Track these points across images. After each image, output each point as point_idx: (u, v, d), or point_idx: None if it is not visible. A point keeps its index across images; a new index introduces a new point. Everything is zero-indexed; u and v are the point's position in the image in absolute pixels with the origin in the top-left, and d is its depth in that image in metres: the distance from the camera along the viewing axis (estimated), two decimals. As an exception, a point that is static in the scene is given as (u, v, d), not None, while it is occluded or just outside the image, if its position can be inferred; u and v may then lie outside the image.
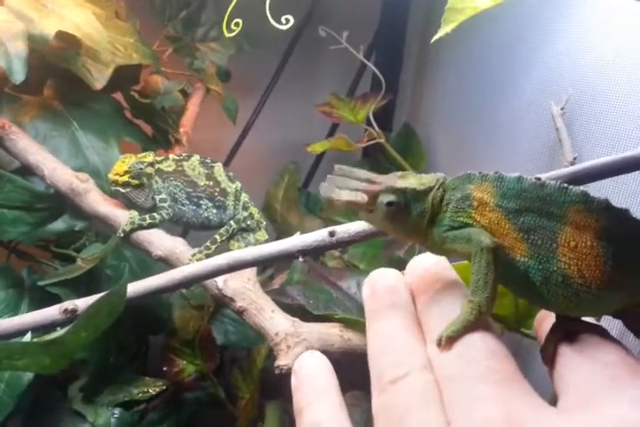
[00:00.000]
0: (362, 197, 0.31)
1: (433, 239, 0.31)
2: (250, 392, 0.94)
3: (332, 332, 0.72)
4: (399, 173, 0.32)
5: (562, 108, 0.76)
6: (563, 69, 0.78)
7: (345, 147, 0.93)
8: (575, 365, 0.27)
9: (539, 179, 0.29)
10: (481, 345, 0.27)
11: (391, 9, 1.16)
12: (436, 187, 0.31)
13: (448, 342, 0.27)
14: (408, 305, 0.31)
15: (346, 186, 0.31)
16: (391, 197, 0.30)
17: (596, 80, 0.71)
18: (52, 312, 0.55)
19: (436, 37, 0.67)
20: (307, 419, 0.30)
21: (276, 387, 0.93)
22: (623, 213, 0.27)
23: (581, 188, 0.28)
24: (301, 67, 1.16)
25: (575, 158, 0.73)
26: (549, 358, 0.29)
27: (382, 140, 0.97)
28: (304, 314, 0.76)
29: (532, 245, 0.28)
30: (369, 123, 1.00)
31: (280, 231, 1.07)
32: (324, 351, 0.73)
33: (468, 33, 0.95)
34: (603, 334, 0.29)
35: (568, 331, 0.29)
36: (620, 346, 0.28)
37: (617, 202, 0.27)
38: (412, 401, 0.26)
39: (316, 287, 0.88)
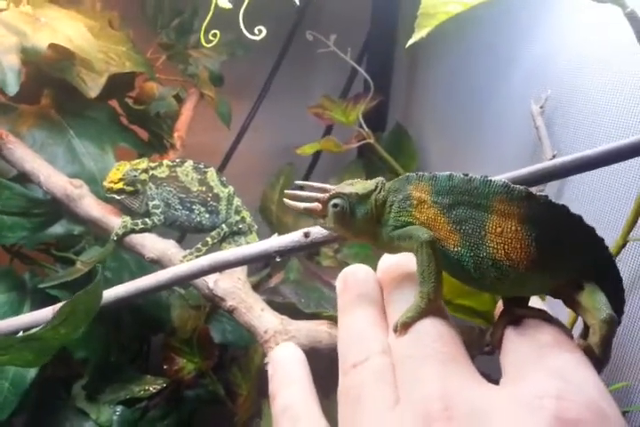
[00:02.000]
0: (316, 205, 0.34)
1: (382, 239, 0.34)
2: (248, 389, 0.96)
3: (320, 329, 0.74)
4: (349, 181, 0.35)
5: (541, 107, 0.77)
6: (542, 69, 0.80)
7: (334, 148, 0.95)
8: (516, 346, 0.30)
9: (466, 175, 0.31)
10: (430, 330, 0.29)
11: (381, 11, 1.18)
12: (377, 190, 0.34)
13: (403, 327, 0.30)
14: (376, 297, 0.34)
15: (305, 197, 0.35)
16: (337, 202, 0.33)
17: (574, 80, 0.73)
18: (46, 313, 0.58)
19: (410, 42, 0.68)
20: (278, 403, 0.32)
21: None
22: (543, 200, 0.29)
23: (504, 179, 0.30)
24: (294, 70, 1.18)
25: (554, 155, 0.75)
26: (497, 341, 0.31)
27: (372, 141, 0.98)
28: (297, 313, 0.79)
29: (463, 234, 0.31)
30: (360, 124, 1.02)
31: (276, 232, 1.09)
32: (313, 348, 0.76)
33: (454, 35, 0.97)
34: (545, 317, 0.31)
35: (514, 316, 0.32)
36: (558, 327, 0.30)
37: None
38: (367, 381, 0.28)
39: (308, 286, 0.90)
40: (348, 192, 0.33)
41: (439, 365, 0.27)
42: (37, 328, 0.34)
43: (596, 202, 0.67)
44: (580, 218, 0.30)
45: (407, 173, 0.33)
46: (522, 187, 0.30)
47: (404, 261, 0.35)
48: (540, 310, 0.32)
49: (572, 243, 0.30)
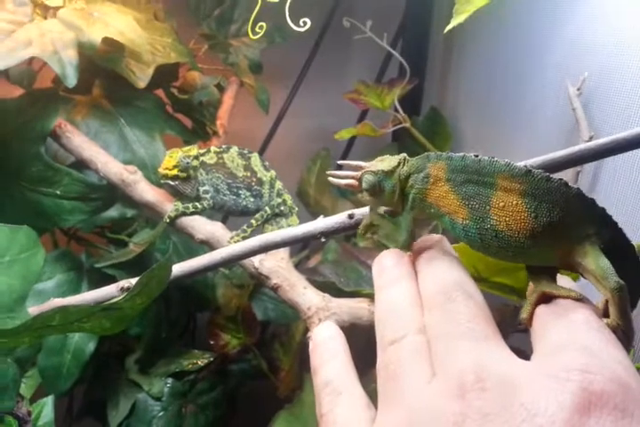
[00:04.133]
0: (353, 182, 0.39)
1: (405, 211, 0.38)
2: (289, 364, 1.01)
3: (360, 306, 0.77)
4: (380, 158, 0.40)
5: (578, 89, 0.78)
6: (579, 51, 0.80)
7: (370, 132, 0.97)
8: (546, 324, 0.31)
9: (477, 155, 0.34)
10: (464, 309, 0.31)
11: (416, -4, 1.18)
12: (400, 166, 0.38)
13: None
14: (410, 277, 0.36)
15: (344, 175, 0.40)
16: (367, 178, 0.38)
17: (611, 62, 0.74)
18: (110, 290, 0.62)
19: (448, 28, 0.70)
20: (319, 377, 0.35)
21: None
22: (540, 175, 0.32)
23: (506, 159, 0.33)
24: (330, 57, 1.20)
25: (591, 137, 0.76)
26: (528, 319, 0.33)
27: (408, 125, 1.01)
28: (337, 292, 0.82)
29: (471, 209, 0.34)
30: (396, 108, 1.04)
31: (314, 214, 1.12)
32: (353, 324, 0.80)
33: (489, 18, 0.98)
34: (576, 296, 0.33)
35: (545, 295, 0.33)
36: (588, 306, 0.32)
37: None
38: (405, 358, 0.30)
39: (346, 266, 0.94)
40: (375, 169, 0.38)
41: (472, 342, 0.29)
42: (118, 298, 0.38)
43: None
44: (577, 190, 0.32)
45: (427, 153, 0.37)
46: (522, 164, 0.33)
47: (435, 240, 0.38)
48: (570, 290, 0.33)
49: (569, 214, 0.32)
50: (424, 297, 0.34)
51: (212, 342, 1.00)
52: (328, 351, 0.36)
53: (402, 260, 0.37)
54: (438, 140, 1.11)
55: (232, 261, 0.63)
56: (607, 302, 0.33)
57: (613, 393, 0.24)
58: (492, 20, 0.99)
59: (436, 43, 1.23)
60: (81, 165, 0.82)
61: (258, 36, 0.73)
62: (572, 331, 0.29)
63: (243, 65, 1.04)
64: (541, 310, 0.33)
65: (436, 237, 0.38)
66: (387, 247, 0.41)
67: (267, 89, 1.09)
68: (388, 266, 0.37)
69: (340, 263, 0.94)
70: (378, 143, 1.23)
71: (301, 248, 1.14)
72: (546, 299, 0.33)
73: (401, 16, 1.20)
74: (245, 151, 0.82)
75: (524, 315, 0.35)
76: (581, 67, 0.78)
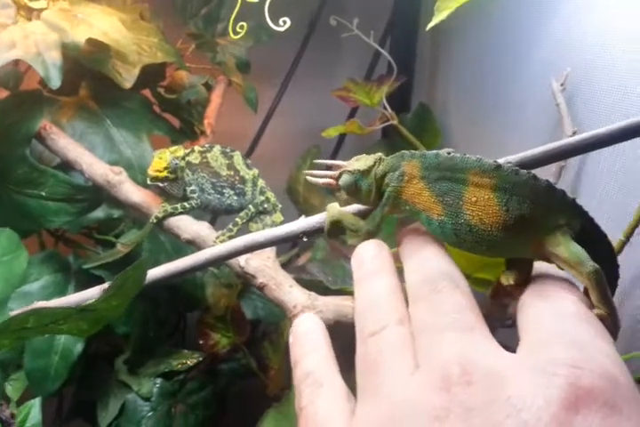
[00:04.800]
0: (330, 181, 0.40)
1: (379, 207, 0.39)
2: (279, 363, 1.01)
3: (345, 304, 0.77)
4: (356, 157, 0.40)
5: (562, 84, 0.78)
6: (565, 47, 0.81)
7: (358, 130, 0.98)
8: (534, 313, 0.30)
9: (449, 153, 0.35)
10: (450, 300, 0.30)
11: (404, -7, 1.18)
12: (376, 165, 0.38)
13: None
14: (390, 269, 0.35)
15: (322, 175, 0.41)
16: (344, 177, 0.39)
17: (596, 58, 0.74)
18: (94, 292, 0.62)
19: (430, 25, 0.71)
20: (300, 369, 0.34)
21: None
22: (510, 170, 0.33)
23: (477, 155, 0.34)
24: (319, 55, 1.20)
25: (575, 132, 0.76)
26: (515, 308, 0.33)
27: (395, 122, 1.01)
28: (324, 290, 0.83)
29: (445, 205, 0.34)
30: (384, 105, 1.04)
31: (303, 212, 1.12)
32: (338, 322, 0.80)
33: (476, 16, 0.98)
34: (565, 285, 0.32)
35: (533, 283, 0.33)
36: (579, 297, 0.31)
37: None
38: (385, 349, 0.29)
39: (334, 264, 0.94)
40: (352, 169, 0.39)
41: (458, 333, 0.28)
42: (92, 300, 0.38)
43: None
44: (546, 182, 0.32)
45: (402, 151, 0.37)
46: (492, 160, 0.33)
47: (419, 231, 0.37)
48: (562, 279, 0.33)
49: (540, 205, 0.32)
50: (409, 288, 0.33)
51: (201, 342, 1.01)
52: (309, 343, 0.35)
53: (381, 251, 0.37)
54: (427, 137, 1.11)
55: (217, 262, 0.62)
56: (586, 290, 0.33)
57: (602, 389, 0.24)
58: (481, 16, 0.99)
59: (425, 40, 1.23)
60: (66, 166, 0.82)
61: (239, 36, 0.73)
62: (560, 323, 0.29)
63: (230, 64, 1.04)
64: (529, 298, 0.32)
65: (420, 226, 0.38)
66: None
67: (255, 88, 1.09)
68: (366, 258, 0.36)
69: (327, 262, 0.94)
70: (367, 141, 1.23)
71: (291, 247, 1.15)
72: (535, 288, 0.33)
73: (389, 13, 1.20)
74: (228, 150, 0.82)
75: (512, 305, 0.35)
76: (566, 63, 0.79)
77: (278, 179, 1.11)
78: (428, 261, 0.34)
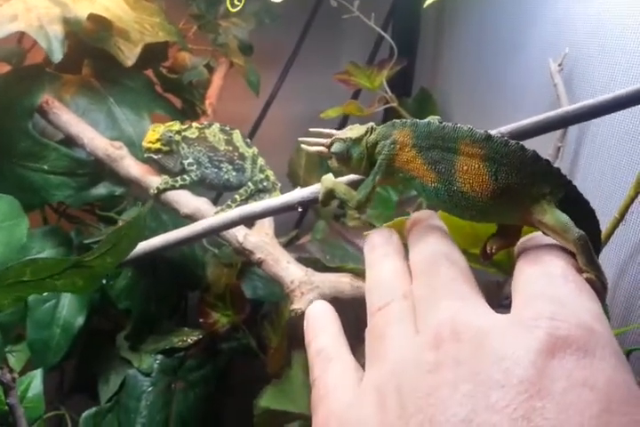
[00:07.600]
0: (323, 149, 0.41)
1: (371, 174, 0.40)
2: (278, 342, 1.02)
3: (343, 280, 0.79)
4: (349, 127, 0.41)
5: (559, 65, 0.79)
6: (564, 29, 0.81)
7: (357, 112, 0.98)
8: (525, 277, 0.32)
9: (441, 122, 0.35)
10: (446, 272, 0.33)
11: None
12: (367, 134, 0.39)
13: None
14: (398, 253, 0.38)
15: (314, 142, 0.42)
16: (336, 145, 0.40)
17: (593, 39, 0.74)
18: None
19: (428, 2, 0.71)
20: (313, 348, 0.36)
21: (302, 338, 1.01)
22: (499, 140, 0.34)
23: (469, 125, 0.35)
24: (322, 38, 1.20)
25: (572, 112, 0.76)
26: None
27: (395, 105, 1.01)
28: (322, 268, 0.83)
29: (438, 173, 0.36)
30: (385, 89, 1.05)
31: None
32: (336, 298, 0.81)
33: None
34: (556, 251, 0.34)
35: (528, 249, 0.35)
36: (566, 260, 0.33)
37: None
38: (391, 320, 0.32)
39: (333, 244, 0.95)
40: (344, 137, 0.39)
41: (453, 300, 0.30)
42: (87, 254, 0.39)
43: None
44: (533, 152, 0.33)
45: (393, 120, 0.38)
46: (482, 130, 0.34)
47: (426, 215, 0.39)
48: (554, 246, 0.34)
49: (526, 175, 0.34)
50: (412, 267, 0.36)
51: (201, 320, 1.01)
52: (320, 325, 0.38)
53: (391, 237, 0.39)
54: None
55: (213, 232, 0.63)
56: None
57: (577, 336, 0.26)
58: (481, 0, 0.99)
59: (428, 23, 1.23)
60: (69, 141, 0.83)
61: (237, 8, 0.74)
62: (548, 284, 0.30)
63: (232, 45, 1.05)
64: (523, 265, 0.34)
65: (426, 212, 0.40)
66: (375, 227, 0.43)
67: (257, 70, 1.10)
68: (378, 244, 0.39)
69: (326, 241, 0.95)
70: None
71: (292, 228, 1.15)
72: (527, 252, 0.34)
73: (391, -4, 1.20)
74: (227, 128, 0.83)
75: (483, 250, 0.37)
76: (565, 44, 0.79)
77: (280, 162, 1.11)
78: (431, 245, 0.36)
